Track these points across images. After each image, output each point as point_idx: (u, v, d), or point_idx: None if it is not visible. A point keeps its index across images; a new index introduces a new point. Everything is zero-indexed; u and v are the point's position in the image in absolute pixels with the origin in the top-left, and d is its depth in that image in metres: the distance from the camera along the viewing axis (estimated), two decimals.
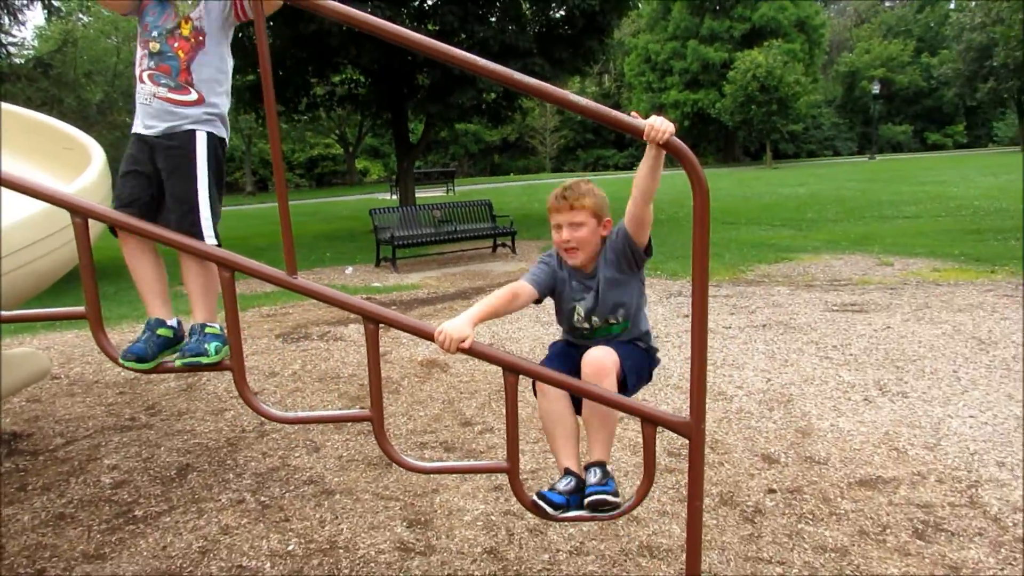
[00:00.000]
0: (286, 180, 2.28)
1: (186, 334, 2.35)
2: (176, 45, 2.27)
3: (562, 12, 15.61)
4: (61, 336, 7.44)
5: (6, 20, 11.83)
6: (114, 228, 2.22)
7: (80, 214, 2.04)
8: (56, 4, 12.54)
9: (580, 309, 2.42)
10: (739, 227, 14.15)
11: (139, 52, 2.32)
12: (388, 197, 28.91)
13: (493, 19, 15.84)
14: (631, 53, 53.37)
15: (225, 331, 2.21)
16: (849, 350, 5.62)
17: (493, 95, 16.71)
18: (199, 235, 2.22)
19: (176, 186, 2.25)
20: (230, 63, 2.40)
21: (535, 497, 2.20)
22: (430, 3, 16.62)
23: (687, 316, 6.94)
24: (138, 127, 2.31)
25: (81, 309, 2.10)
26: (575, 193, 2.39)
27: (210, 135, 2.31)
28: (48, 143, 4.87)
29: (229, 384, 5.35)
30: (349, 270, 11.32)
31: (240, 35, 15.22)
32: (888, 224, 13.48)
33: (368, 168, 54.33)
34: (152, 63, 2.27)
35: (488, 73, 1.95)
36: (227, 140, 2.42)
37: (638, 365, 2.39)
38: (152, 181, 2.30)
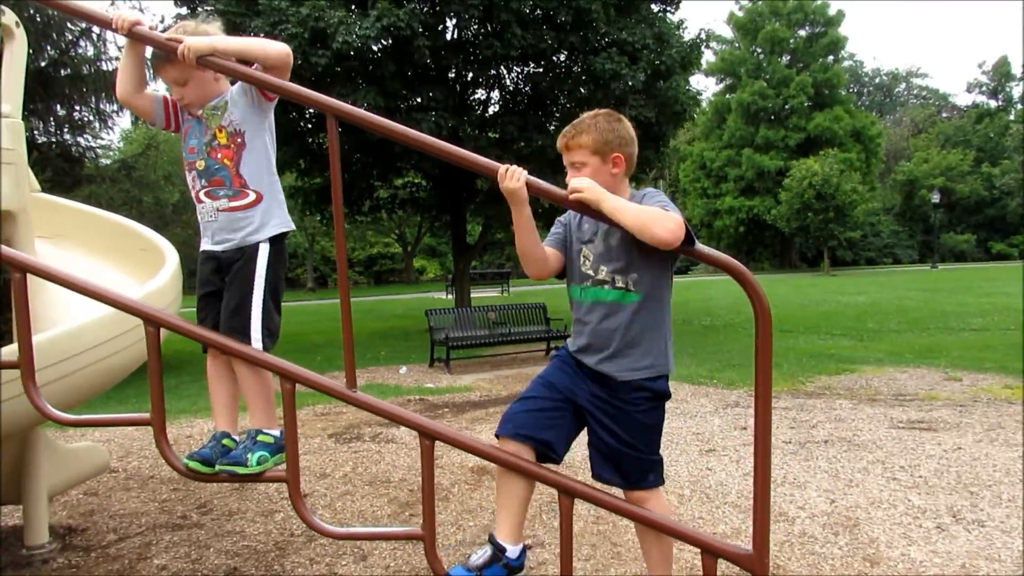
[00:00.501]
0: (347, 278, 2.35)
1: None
2: (220, 155, 2.34)
3: None
4: (120, 428, 7.59)
5: (97, 125, 12.68)
6: (205, 346, 2.30)
7: (154, 323, 2.11)
8: None
9: (588, 252, 2.25)
10: (797, 335, 13.90)
11: (189, 176, 2.42)
12: (444, 296, 29.31)
13: (552, 127, 16.36)
14: (686, 160, 54.23)
15: (280, 436, 2.21)
16: (918, 471, 5.37)
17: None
18: (247, 339, 2.25)
19: (233, 291, 2.32)
20: (273, 147, 2.45)
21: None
22: (491, 113, 17.29)
23: (745, 428, 6.75)
24: (207, 244, 2.39)
25: (147, 416, 2.14)
26: (573, 130, 2.26)
27: (272, 241, 2.36)
28: (127, 244, 5.11)
29: (280, 485, 5.35)
30: (403, 370, 11.39)
31: (311, 140, 16.01)
32: (954, 336, 13.08)
33: (425, 267, 55.41)
34: (204, 180, 2.36)
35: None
36: (287, 227, 2.43)
37: (650, 442, 2.24)
38: (220, 289, 2.37)
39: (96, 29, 11.82)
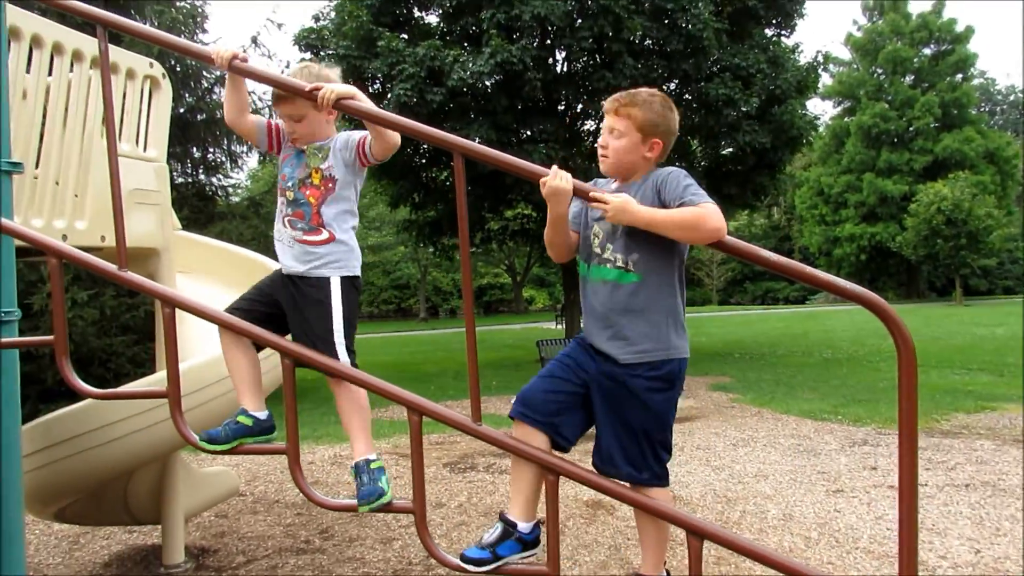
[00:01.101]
0: (456, 309, 2.39)
1: (354, 474, 2.40)
2: (308, 193, 2.50)
3: (731, 149, 15.74)
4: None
5: (228, 165, 13.50)
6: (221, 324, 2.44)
7: (291, 356, 2.20)
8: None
9: (598, 231, 2.24)
10: (929, 370, 13.08)
11: (279, 198, 2.59)
12: (553, 326, 29.34)
13: None
14: (802, 186, 52.49)
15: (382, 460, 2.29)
16: None
17: None
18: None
19: (314, 326, 2.41)
20: (355, 201, 2.58)
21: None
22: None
23: (875, 468, 6.38)
24: (281, 263, 2.54)
25: (282, 445, 2.23)
26: (628, 98, 2.24)
27: (343, 278, 2.47)
28: (258, 278, 5.37)
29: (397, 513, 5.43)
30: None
31: (424, 175, 16.48)
32: None
33: (534, 297, 55.75)
34: (289, 210, 2.53)
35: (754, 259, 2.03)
36: (354, 273, 2.54)
37: (661, 428, 2.22)
38: (272, 302, 2.52)
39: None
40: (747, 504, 5.55)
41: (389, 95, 12.92)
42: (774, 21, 16.02)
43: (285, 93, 2.42)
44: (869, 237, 47.43)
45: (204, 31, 11.89)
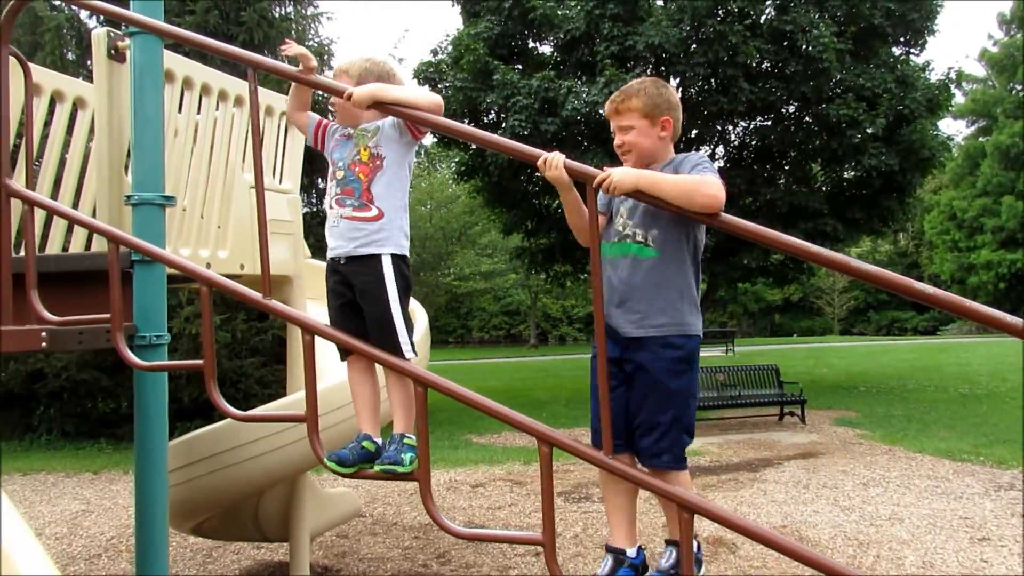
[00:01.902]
0: (565, 336, 2.37)
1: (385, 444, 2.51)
2: (357, 170, 2.55)
3: (856, 172, 15.09)
4: None
5: None
6: (343, 351, 2.53)
7: (423, 384, 2.24)
8: None
9: (623, 210, 2.30)
10: None
11: (329, 184, 2.64)
12: None
13: (780, 181, 15.74)
14: (932, 210, 49.67)
15: (417, 444, 2.37)
16: None
17: (780, 256, 16.33)
18: (399, 353, 2.44)
19: (372, 310, 2.47)
20: (407, 180, 2.64)
21: None
22: (718, 167, 16.98)
23: None
24: (330, 250, 2.60)
25: (412, 471, 2.26)
26: (622, 95, 2.32)
27: (394, 256, 2.51)
28: None
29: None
30: None
31: (536, 203, 16.62)
32: None
33: None
34: (338, 189, 2.58)
35: (759, 238, 1.99)
36: (402, 252, 2.57)
37: (683, 411, 2.24)
38: (355, 304, 2.54)
39: None
40: (881, 548, 5.23)
41: (504, 125, 13.14)
42: (902, 39, 15.32)
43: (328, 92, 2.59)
44: (1009, 264, 44.24)
45: (330, 68, 12.47)
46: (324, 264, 5.91)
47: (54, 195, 3.88)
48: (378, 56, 2.76)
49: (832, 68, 13.31)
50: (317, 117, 2.79)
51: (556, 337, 51.38)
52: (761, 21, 13.74)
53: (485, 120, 14.43)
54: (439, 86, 14.82)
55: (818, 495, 6.84)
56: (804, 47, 13.39)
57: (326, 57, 12.41)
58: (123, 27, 3.29)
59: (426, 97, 2.50)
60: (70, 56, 10.90)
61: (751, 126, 16.08)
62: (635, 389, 2.27)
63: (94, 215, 3.61)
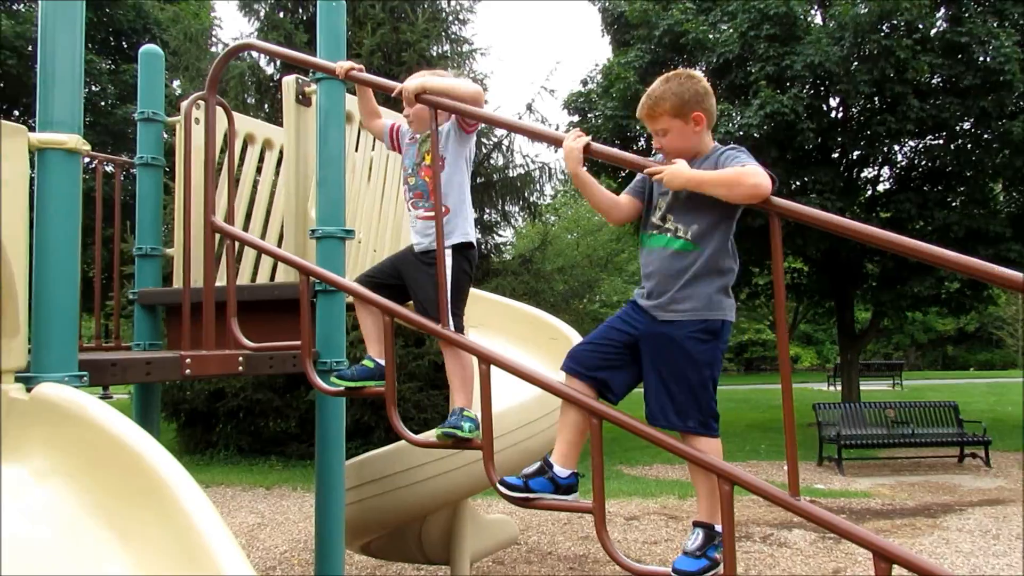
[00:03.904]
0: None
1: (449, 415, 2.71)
2: (423, 174, 2.84)
3: None
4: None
5: (501, 224, 14.36)
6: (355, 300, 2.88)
7: (597, 415, 2.23)
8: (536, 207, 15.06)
9: (661, 203, 2.38)
10: None
11: (403, 188, 2.99)
12: (825, 388, 27.31)
13: (955, 203, 14.63)
14: None
15: (479, 419, 2.53)
16: None
17: (956, 283, 15.15)
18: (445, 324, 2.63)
19: (428, 291, 2.74)
20: (467, 173, 2.88)
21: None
22: (882, 191, 16.06)
23: None
24: (413, 244, 2.91)
25: (588, 504, 2.25)
26: (650, 100, 2.38)
27: (455, 248, 2.75)
28: (538, 332, 5.58)
29: None
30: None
31: None
32: None
33: (799, 355, 52.38)
34: (411, 193, 2.90)
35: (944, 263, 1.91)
36: (468, 239, 2.82)
37: (705, 379, 2.28)
38: (396, 274, 2.89)
39: (506, 142, 13.51)
40: None
41: (654, 152, 13.00)
42: None
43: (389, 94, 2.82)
44: None
45: (485, 101, 12.89)
46: (482, 292, 6.03)
47: (244, 229, 4.21)
48: (440, 71, 2.97)
49: (1015, 80, 12.28)
50: (389, 122, 3.09)
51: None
52: (932, 34, 12.92)
53: (635, 147, 14.37)
54: (589, 115, 14.92)
55: (1011, 547, 6.22)
56: (982, 59, 12.46)
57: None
58: (311, 73, 3.54)
59: (466, 87, 2.73)
60: (250, 101, 11.83)
61: (920, 145, 15.10)
62: (660, 359, 2.33)
63: (277, 247, 3.89)
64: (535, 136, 2.50)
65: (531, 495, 2.35)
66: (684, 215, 2.32)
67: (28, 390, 2.23)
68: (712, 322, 2.30)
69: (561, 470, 2.40)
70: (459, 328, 2.75)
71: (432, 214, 2.73)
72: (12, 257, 2.18)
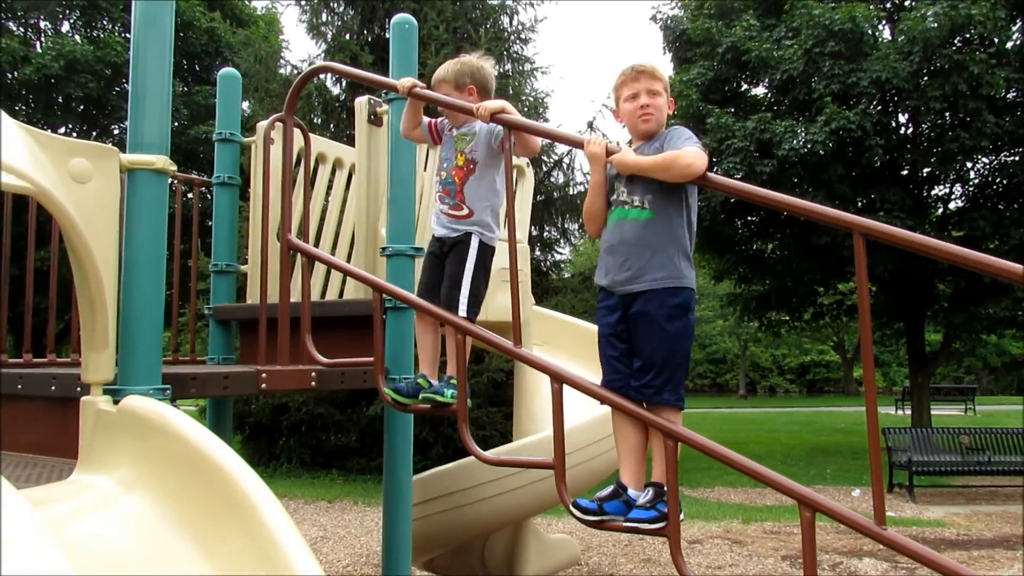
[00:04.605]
0: (776, 387, 2.22)
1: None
2: (453, 173, 2.95)
3: None
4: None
5: (561, 242, 14.36)
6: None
7: (672, 437, 2.20)
8: None
9: (621, 182, 2.57)
10: None
11: (435, 179, 3.11)
12: (892, 412, 26.44)
13: None
14: None
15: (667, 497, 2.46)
16: None
17: None
18: (456, 307, 2.80)
19: (451, 267, 2.88)
20: (500, 184, 2.97)
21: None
22: (954, 209, 15.57)
23: None
24: (435, 232, 3.02)
25: (663, 526, 2.21)
26: (652, 65, 2.63)
27: (482, 241, 2.90)
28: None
29: None
30: (857, 492, 10.40)
31: (750, 248, 16.06)
32: None
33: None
34: (440, 187, 3.01)
35: (746, 196, 2.18)
36: (494, 246, 2.99)
37: (680, 354, 2.43)
38: (442, 265, 2.96)
39: (566, 160, 13.53)
40: None
41: (715, 169, 12.87)
42: None
43: (453, 109, 2.94)
44: None
45: (546, 120, 12.91)
46: (547, 311, 6.02)
47: (314, 247, 4.29)
48: (466, 57, 3.11)
49: None
50: (426, 120, 3.14)
51: (765, 388, 48.90)
52: (1008, 47, 12.52)
53: None
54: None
55: None
56: None
57: (541, 110, 12.87)
58: (383, 94, 3.61)
59: (535, 140, 2.92)
60: (317, 121, 12.11)
61: (995, 162, 14.60)
62: (637, 336, 2.47)
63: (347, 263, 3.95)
64: (560, 139, 2.93)
65: (605, 517, 2.37)
66: (639, 186, 2.53)
67: (115, 402, 2.31)
68: (683, 294, 2.46)
69: (635, 493, 2.42)
70: (480, 300, 2.90)
71: (454, 213, 2.95)
72: (103, 273, 2.26)
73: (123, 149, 2.42)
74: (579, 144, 2.69)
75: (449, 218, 2.96)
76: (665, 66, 15.18)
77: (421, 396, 2.82)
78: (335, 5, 12.92)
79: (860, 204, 13.79)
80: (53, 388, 2.67)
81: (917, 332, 15.66)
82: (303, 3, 13.00)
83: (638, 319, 2.45)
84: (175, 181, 4.49)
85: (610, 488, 2.43)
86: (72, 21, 17.90)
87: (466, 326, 2.71)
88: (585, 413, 4.21)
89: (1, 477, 1.64)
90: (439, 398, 2.79)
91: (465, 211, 2.92)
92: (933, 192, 15.52)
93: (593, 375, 5.18)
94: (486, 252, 2.96)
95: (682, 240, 2.50)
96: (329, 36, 12.69)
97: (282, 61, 13.31)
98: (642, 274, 2.45)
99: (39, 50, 16.13)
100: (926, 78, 12.41)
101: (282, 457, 12.00)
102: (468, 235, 2.92)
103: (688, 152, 2.39)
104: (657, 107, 2.58)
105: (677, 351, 2.43)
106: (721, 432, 19.86)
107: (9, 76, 15.46)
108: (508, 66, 13.02)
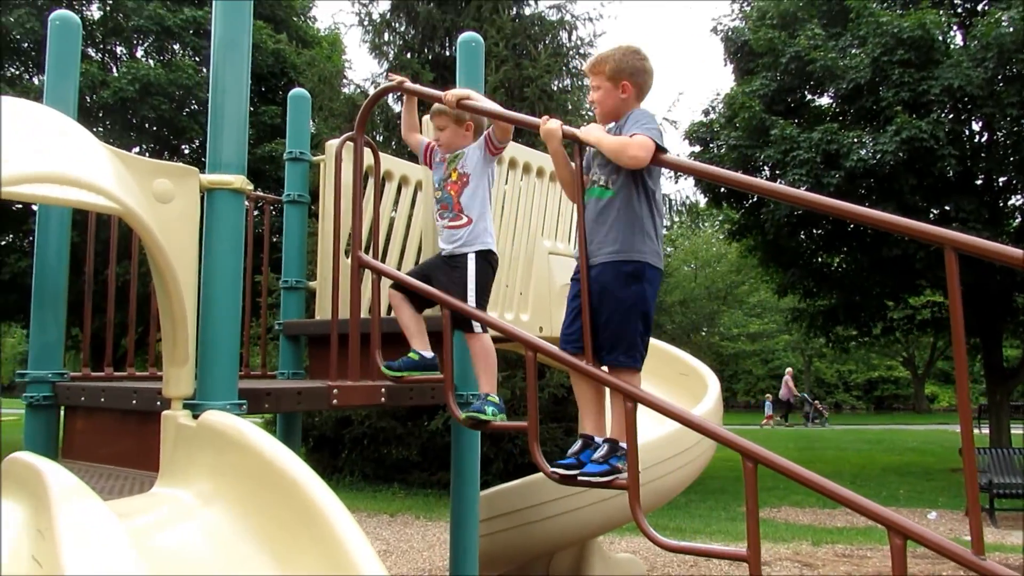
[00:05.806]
0: (842, 404, 2.12)
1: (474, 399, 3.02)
2: (449, 188, 3.21)
3: None
4: (643, 540, 7.98)
5: None
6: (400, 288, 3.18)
7: (751, 458, 2.14)
8: None
9: (594, 164, 2.75)
10: None
11: (433, 201, 3.32)
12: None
13: None
14: None
15: (501, 403, 2.93)
16: None
17: None
18: (469, 328, 3.01)
19: (455, 293, 2.99)
20: (490, 189, 3.24)
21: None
22: None
23: None
24: (440, 248, 3.23)
25: (743, 551, 2.16)
26: (595, 59, 2.80)
27: (478, 254, 3.10)
28: (665, 367, 5.47)
29: None
30: (933, 515, 10.01)
31: (816, 261, 15.68)
32: None
33: (937, 394, 49.06)
34: (439, 205, 3.24)
35: (698, 173, 2.02)
36: (488, 247, 3.16)
37: (633, 318, 2.62)
38: (425, 278, 3.13)
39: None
40: None
41: (780, 181, 12.62)
42: None
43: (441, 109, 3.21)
44: None
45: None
46: None
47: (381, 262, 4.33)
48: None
49: None
50: (426, 140, 3.40)
51: (831, 404, 47.60)
52: None
53: (760, 177, 13.98)
54: (711, 145, 14.66)
55: None
56: None
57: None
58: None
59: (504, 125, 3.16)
60: (379, 138, 12.30)
61: None
62: (601, 304, 2.64)
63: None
64: (514, 121, 3.08)
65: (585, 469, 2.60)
66: (603, 167, 2.72)
67: (195, 417, 2.36)
68: (635, 264, 2.63)
69: (599, 439, 2.70)
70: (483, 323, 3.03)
71: (455, 224, 3.17)
72: (184, 290, 2.32)
73: (194, 167, 2.49)
74: (535, 126, 2.85)
75: (450, 231, 3.18)
76: (726, 78, 14.94)
77: (464, 415, 2.91)
78: (397, 25, 13.13)
79: (933, 215, 13.35)
80: (134, 402, 2.74)
81: (994, 347, 15.05)
82: (366, 24, 13.25)
83: (596, 288, 2.64)
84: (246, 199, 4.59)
85: (579, 442, 2.69)
86: (145, 46, 18.59)
87: (537, 343, 2.69)
88: (655, 430, 4.15)
89: (90, 489, 1.68)
90: (482, 416, 2.88)
91: (464, 219, 3.16)
92: (1010, 202, 14.94)
93: (658, 391, 5.11)
94: (485, 263, 3.15)
95: (641, 218, 2.68)
96: (391, 55, 12.90)
97: (345, 80, 13.58)
98: (601, 247, 2.66)
99: (115, 74, 16.78)
100: (1001, 84, 11.98)
101: (345, 470, 12.13)
102: (465, 257, 3.12)
103: (635, 143, 2.56)
104: (599, 100, 2.80)
105: (630, 316, 2.62)
106: (787, 450, 19.38)
107: (88, 99, 16.10)
108: (567, 81, 13.02)
